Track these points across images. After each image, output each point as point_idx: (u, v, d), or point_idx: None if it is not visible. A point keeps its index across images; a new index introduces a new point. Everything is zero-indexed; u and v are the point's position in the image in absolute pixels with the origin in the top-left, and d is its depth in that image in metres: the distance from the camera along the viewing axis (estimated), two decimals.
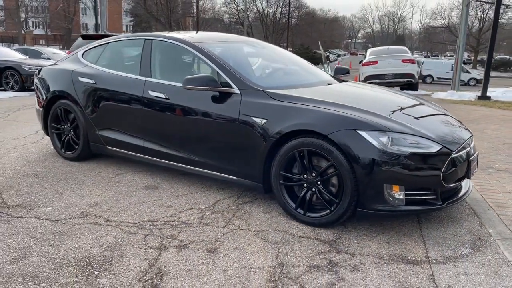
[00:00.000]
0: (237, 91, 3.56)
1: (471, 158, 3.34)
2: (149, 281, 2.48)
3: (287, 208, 3.35)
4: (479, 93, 13.14)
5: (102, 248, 2.85)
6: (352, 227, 3.27)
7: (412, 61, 14.89)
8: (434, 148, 3.03)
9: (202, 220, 3.33)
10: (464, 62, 43.65)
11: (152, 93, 3.98)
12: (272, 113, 3.35)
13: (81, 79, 4.55)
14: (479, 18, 48.23)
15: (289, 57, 4.75)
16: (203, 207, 3.59)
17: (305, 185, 3.26)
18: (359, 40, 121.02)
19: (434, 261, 2.80)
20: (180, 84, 3.90)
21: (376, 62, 14.84)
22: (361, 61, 16.86)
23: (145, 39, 4.29)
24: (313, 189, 3.24)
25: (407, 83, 14.88)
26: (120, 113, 4.28)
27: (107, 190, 3.93)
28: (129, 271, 2.58)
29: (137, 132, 4.18)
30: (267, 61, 4.36)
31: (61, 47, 47.82)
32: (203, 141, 3.75)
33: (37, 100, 5.15)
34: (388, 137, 2.98)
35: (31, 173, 4.39)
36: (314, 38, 58.27)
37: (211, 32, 4.70)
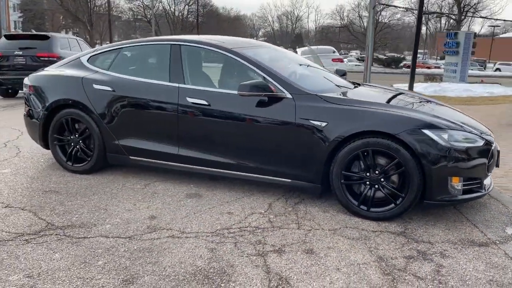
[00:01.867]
0: (288, 95, 3.67)
1: (498, 149, 3.82)
2: (280, 287, 2.53)
3: (350, 206, 3.54)
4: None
5: (204, 260, 2.81)
6: (408, 218, 3.56)
7: (341, 60, 15.84)
8: (480, 141, 3.44)
9: (273, 224, 3.39)
10: (358, 60, 46.78)
11: (191, 100, 3.91)
12: (333, 116, 3.52)
13: (96, 86, 4.28)
14: (368, 18, 52.05)
15: (301, 60, 4.91)
16: (262, 211, 3.64)
17: (368, 182, 3.48)
18: (260, 39, 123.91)
19: (497, 242, 3.19)
20: (221, 90, 3.91)
21: None
22: None
23: (172, 44, 4.18)
24: (376, 185, 3.47)
25: None
26: (148, 121, 4.13)
27: (152, 202, 3.79)
28: (252, 280, 2.59)
29: (170, 140, 4.06)
30: (291, 65, 4.48)
31: None
32: (253, 146, 3.79)
33: (29, 111, 4.71)
34: (448, 134, 3.32)
35: (48, 190, 4.05)
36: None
37: (229, 37, 4.67)
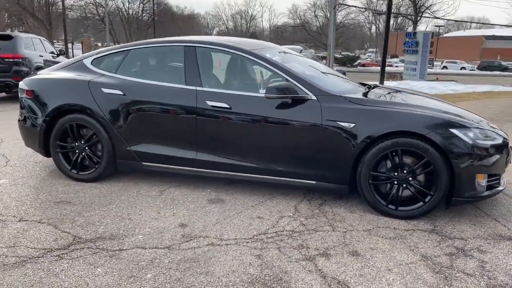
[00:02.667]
0: (313, 97, 3.66)
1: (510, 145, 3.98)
2: None
3: (378, 206, 3.58)
4: None
5: (256, 267, 2.75)
6: (433, 216, 3.64)
7: None
8: (499, 139, 3.58)
9: (307, 227, 3.38)
10: (320, 58, 47.62)
11: (211, 103, 3.81)
12: (360, 117, 3.54)
13: (105, 90, 4.09)
14: (328, 19, 53.16)
15: (309, 61, 4.91)
16: (291, 214, 3.62)
17: (395, 182, 3.54)
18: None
19: None
20: (242, 93, 3.85)
21: None
22: None
23: (185, 46, 4.06)
24: (404, 184, 3.52)
25: None
26: (163, 126, 3.99)
27: (176, 209, 3.68)
28: (312, 286, 2.57)
29: (188, 144, 3.95)
30: (306, 67, 4.46)
31: None
32: (277, 148, 3.75)
33: (25, 117, 4.44)
34: (473, 132, 3.42)
35: (59, 200, 3.84)
36: (175, 35, 57.82)
37: (236, 38, 4.60)
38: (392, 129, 3.44)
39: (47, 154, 4.41)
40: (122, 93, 4.05)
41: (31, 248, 2.96)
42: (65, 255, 2.87)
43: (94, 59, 4.33)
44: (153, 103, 3.99)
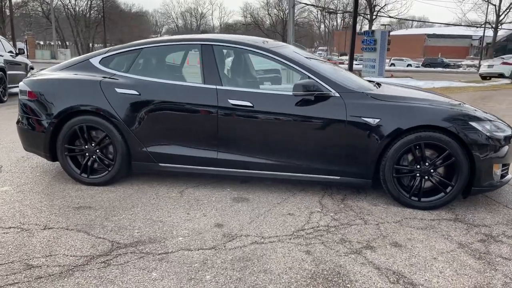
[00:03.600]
0: (336, 94, 3.73)
1: None
2: (401, 281, 2.60)
3: (401, 198, 3.71)
4: None
5: (310, 263, 2.78)
6: (451, 206, 3.82)
7: None
8: (508, 130, 3.81)
9: (339, 221, 3.45)
10: None
11: (233, 102, 3.80)
12: (384, 112, 3.65)
13: (119, 90, 3.96)
14: (281, 17, 53.89)
15: (319, 58, 4.97)
16: (319, 210, 3.68)
17: (418, 174, 3.68)
18: (165, 36, 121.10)
19: None
20: (265, 91, 3.87)
21: None
22: None
23: (202, 44, 4.00)
24: (426, 177, 3.67)
25: None
26: (181, 126, 3.93)
27: (204, 210, 3.63)
28: (371, 278, 2.63)
29: (208, 144, 3.91)
30: (321, 64, 4.49)
31: None
32: (301, 145, 3.79)
33: (27, 120, 4.22)
34: (489, 125, 3.63)
35: (78, 206, 3.69)
36: (126, 33, 56.34)
37: (249, 36, 4.57)
38: (416, 124, 3.57)
39: (53, 158, 4.21)
40: (137, 93, 3.94)
41: (71, 256, 2.84)
42: (111, 261, 2.77)
43: (102, 58, 4.18)
44: (171, 103, 3.92)
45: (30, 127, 4.21)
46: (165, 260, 2.79)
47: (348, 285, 2.54)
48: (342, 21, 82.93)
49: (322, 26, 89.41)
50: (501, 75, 21.99)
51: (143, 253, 2.89)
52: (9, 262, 2.72)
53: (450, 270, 2.73)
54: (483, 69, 23.56)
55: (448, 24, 60.05)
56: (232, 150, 3.90)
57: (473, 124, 3.58)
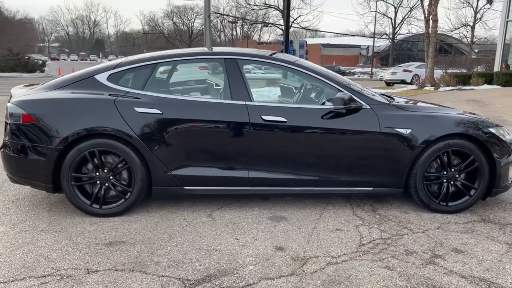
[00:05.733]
0: (367, 106, 3.78)
1: None
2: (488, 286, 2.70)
3: (431, 204, 3.86)
4: None
5: (399, 278, 2.77)
6: (469, 209, 4.06)
7: (206, 68, 15.89)
8: (510, 135, 4.16)
9: (389, 233, 3.48)
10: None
11: (267, 117, 3.66)
12: (414, 122, 3.77)
13: (139, 109, 3.60)
14: (188, 27, 53.52)
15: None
16: (361, 223, 3.68)
17: (445, 180, 3.86)
18: (54, 44, 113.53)
19: None
20: (298, 105, 3.83)
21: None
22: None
23: (225, 58, 3.80)
24: (452, 182, 3.87)
25: None
26: (211, 145, 3.69)
27: (250, 233, 3.44)
28: (465, 286, 2.70)
29: (239, 162, 3.72)
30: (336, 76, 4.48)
31: None
32: (336, 158, 3.78)
33: (22, 147, 3.65)
34: (502, 131, 3.93)
35: (107, 242, 3.26)
36: (13, 41, 51.66)
37: (261, 50, 4.41)
38: (446, 132, 3.75)
39: (55, 190, 3.69)
40: (160, 112, 3.61)
41: None
42: None
43: (110, 74, 3.77)
44: (197, 121, 3.66)
45: (23, 154, 3.64)
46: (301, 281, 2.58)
47: None
48: (241, 31, 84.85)
49: (222, 35, 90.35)
50: (403, 81, 24.12)
51: (223, 287, 2.64)
52: None
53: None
54: (388, 76, 25.64)
55: (345, 34, 64.42)
56: (264, 167, 3.75)
57: (492, 130, 3.84)
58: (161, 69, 3.86)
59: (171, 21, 57.23)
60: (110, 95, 3.66)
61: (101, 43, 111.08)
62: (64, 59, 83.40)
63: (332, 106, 3.66)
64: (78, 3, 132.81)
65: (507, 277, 2.81)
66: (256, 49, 4.29)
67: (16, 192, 4.37)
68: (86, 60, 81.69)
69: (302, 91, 4.30)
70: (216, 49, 4.06)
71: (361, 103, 3.77)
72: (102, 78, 3.75)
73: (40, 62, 42.12)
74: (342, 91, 3.75)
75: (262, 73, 10.24)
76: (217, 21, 74.76)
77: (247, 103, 3.69)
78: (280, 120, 3.67)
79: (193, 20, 52.70)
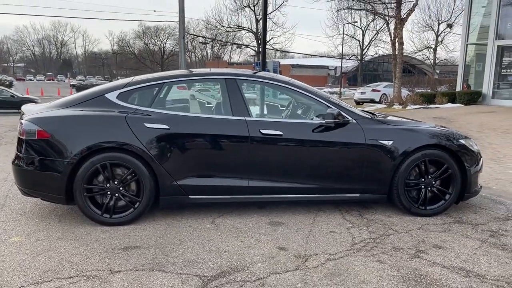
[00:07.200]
0: (353, 120, 4.23)
1: None
2: (471, 274, 3.13)
3: (412, 208, 4.30)
4: None
5: (391, 270, 3.16)
6: (450, 210, 4.53)
7: (185, 88, 16.21)
8: (477, 146, 4.69)
9: (377, 233, 3.88)
10: None
11: (265, 131, 4.04)
12: (395, 135, 4.23)
13: (148, 125, 3.92)
14: (160, 47, 53.73)
15: None
16: (351, 225, 4.07)
17: (423, 186, 4.33)
18: (19, 64, 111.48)
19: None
20: (292, 120, 4.22)
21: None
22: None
23: (226, 78, 4.18)
24: (429, 188, 4.34)
25: None
26: (213, 157, 4.03)
27: (253, 236, 3.77)
28: (448, 275, 3.11)
29: (239, 172, 4.07)
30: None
31: None
32: (327, 168, 4.18)
33: (35, 161, 3.89)
34: (470, 141, 4.45)
35: (123, 247, 3.53)
36: None
37: (260, 71, 4.81)
38: (423, 143, 4.22)
39: (67, 201, 3.93)
40: (167, 127, 3.94)
41: None
42: None
43: (120, 93, 4.08)
44: (202, 135, 4.00)
45: (37, 168, 3.88)
46: (268, 285, 2.91)
47: (437, 283, 2.97)
48: (211, 52, 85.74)
49: (193, 55, 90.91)
50: (372, 101, 25.07)
51: (238, 281, 2.96)
52: None
53: (495, 261, 3.33)
54: (357, 95, 26.60)
55: (313, 55, 66.02)
56: (262, 177, 4.11)
57: (463, 141, 4.34)
58: (168, 88, 4.20)
59: (143, 42, 57.47)
60: (120, 112, 3.96)
61: (69, 63, 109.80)
62: (30, 79, 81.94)
63: (324, 121, 4.08)
64: (45, 23, 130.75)
65: (482, 266, 3.24)
66: (251, 70, 4.69)
67: (22, 205, 4.56)
68: (54, 80, 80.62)
69: (290, 108, 4.74)
70: (215, 70, 4.44)
71: (348, 118, 4.20)
72: (112, 96, 4.06)
73: (7, 82, 41.54)
74: (331, 107, 4.18)
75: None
76: (188, 42, 75.42)
77: (247, 118, 4.07)
78: (277, 134, 4.05)
79: (165, 41, 53.22)
